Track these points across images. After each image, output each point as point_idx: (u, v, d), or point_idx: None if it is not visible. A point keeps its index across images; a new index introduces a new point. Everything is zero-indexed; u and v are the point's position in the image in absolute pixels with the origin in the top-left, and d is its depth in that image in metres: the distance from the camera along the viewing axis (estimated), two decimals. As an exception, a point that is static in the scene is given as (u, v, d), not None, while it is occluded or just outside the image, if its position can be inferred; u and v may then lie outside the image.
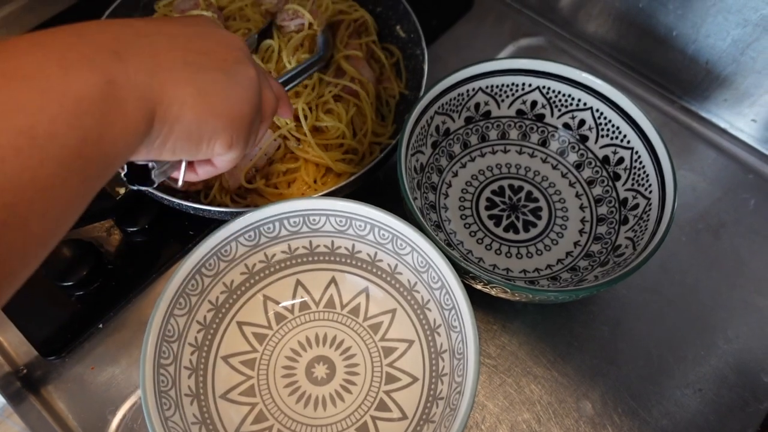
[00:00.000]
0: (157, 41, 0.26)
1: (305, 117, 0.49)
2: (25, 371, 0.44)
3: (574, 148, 0.52)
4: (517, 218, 0.50)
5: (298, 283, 0.45)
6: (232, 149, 0.30)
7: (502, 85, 0.51)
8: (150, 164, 0.31)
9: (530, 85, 0.51)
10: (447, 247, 0.40)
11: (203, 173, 0.34)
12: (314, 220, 0.42)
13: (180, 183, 0.34)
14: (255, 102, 0.31)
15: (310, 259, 0.45)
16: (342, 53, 0.52)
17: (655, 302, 0.48)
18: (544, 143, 0.53)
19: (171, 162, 0.32)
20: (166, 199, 0.45)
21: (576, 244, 0.49)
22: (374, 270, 0.44)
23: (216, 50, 0.29)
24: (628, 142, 0.48)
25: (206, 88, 0.27)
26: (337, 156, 0.49)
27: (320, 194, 0.44)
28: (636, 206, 0.47)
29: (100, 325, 0.46)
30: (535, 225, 0.50)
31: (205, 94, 0.27)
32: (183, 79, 0.26)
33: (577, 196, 0.51)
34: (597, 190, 0.50)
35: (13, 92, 0.20)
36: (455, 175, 0.52)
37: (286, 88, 0.46)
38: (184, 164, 0.33)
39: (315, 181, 0.49)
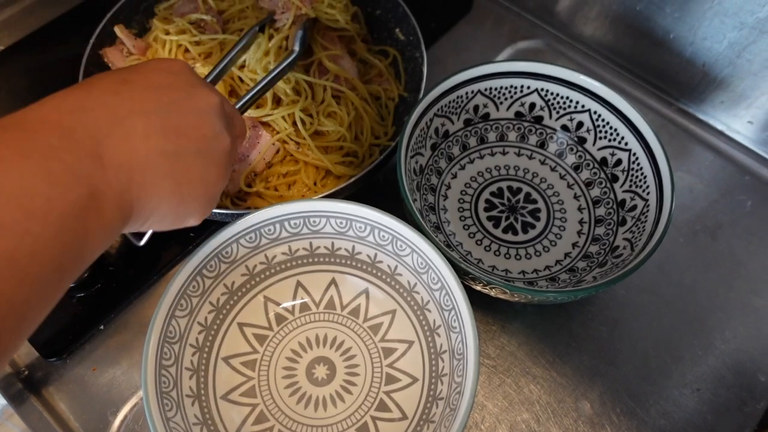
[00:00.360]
0: (133, 128, 0.26)
1: (302, 122, 0.49)
2: (26, 372, 0.45)
3: (572, 150, 0.52)
4: (516, 219, 0.50)
5: (299, 284, 0.45)
6: (204, 217, 0.32)
7: (501, 88, 0.51)
8: None
9: (528, 88, 0.51)
10: (446, 248, 0.40)
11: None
12: (314, 221, 0.43)
13: (141, 244, 0.37)
14: (228, 172, 0.32)
15: (311, 260, 0.45)
16: (322, 53, 0.51)
17: (653, 303, 0.49)
18: (542, 145, 0.53)
19: None
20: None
21: (574, 245, 0.49)
22: (374, 271, 0.45)
23: (193, 126, 0.29)
24: (626, 144, 0.48)
25: (183, 179, 0.28)
26: (336, 159, 0.50)
27: (320, 196, 0.44)
28: (634, 207, 0.47)
29: (101, 327, 0.46)
30: (533, 226, 0.50)
31: (182, 185, 0.28)
32: (160, 174, 0.27)
33: (576, 197, 0.51)
34: (595, 192, 0.51)
35: None
36: (454, 176, 0.52)
37: (258, 96, 0.44)
38: (150, 232, 0.34)
39: (315, 184, 0.49)
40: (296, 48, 0.48)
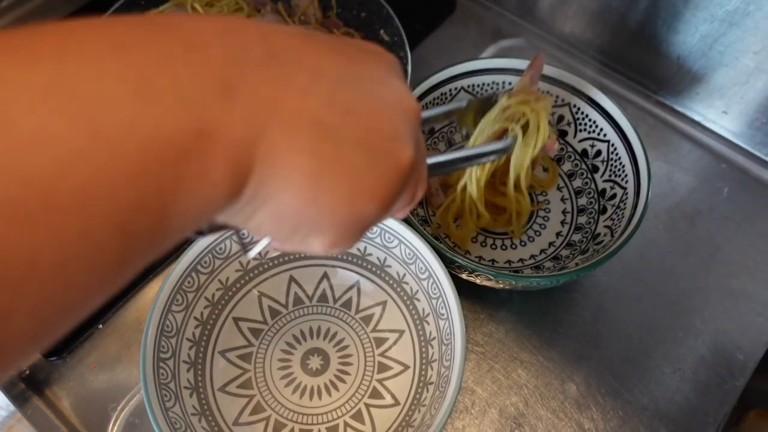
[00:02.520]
0: (292, 75, 0.18)
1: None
2: (28, 372, 0.46)
3: (553, 142, 0.54)
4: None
5: (292, 279, 0.47)
6: (331, 250, 0.21)
7: (483, 84, 0.53)
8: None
9: (510, 84, 0.53)
10: (433, 239, 0.41)
11: (287, 248, 0.23)
12: (305, 217, 0.44)
13: (251, 255, 0.25)
14: (389, 201, 0.20)
15: (302, 255, 0.46)
16: None
17: (635, 288, 0.50)
18: (525, 139, 0.55)
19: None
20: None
21: (558, 234, 0.51)
22: (364, 264, 0.46)
23: (370, 111, 0.20)
24: (605, 135, 0.50)
25: (328, 168, 0.18)
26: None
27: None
28: (613, 196, 0.49)
29: (100, 325, 0.48)
30: (518, 217, 0.52)
31: (323, 177, 0.18)
32: (302, 148, 0.18)
33: (559, 188, 0.53)
34: (577, 183, 0.52)
35: (44, 115, 0.13)
36: (440, 171, 0.54)
37: (436, 172, 0.34)
38: (266, 241, 0.24)
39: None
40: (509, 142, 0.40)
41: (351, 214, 0.19)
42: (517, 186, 0.46)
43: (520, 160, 0.44)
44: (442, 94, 0.52)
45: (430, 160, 0.32)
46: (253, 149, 0.17)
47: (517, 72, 0.52)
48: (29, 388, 0.45)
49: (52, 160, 0.13)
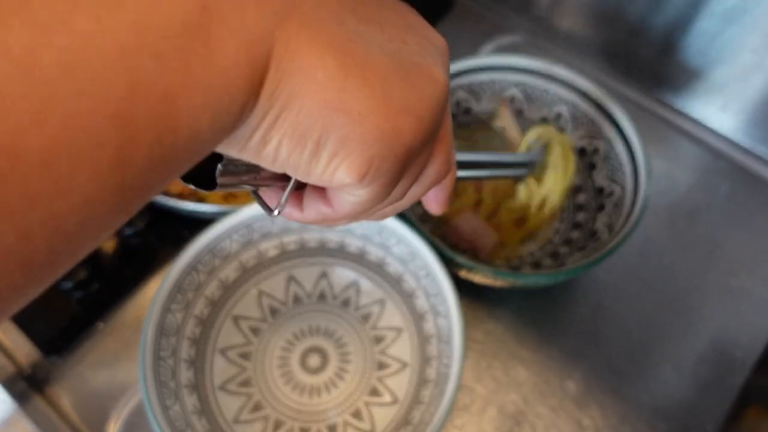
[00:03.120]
0: None
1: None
2: (29, 371, 0.46)
3: (552, 140, 0.54)
4: (500, 209, 0.52)
5: (291, 277, 0.47)
6: (363, 182, 0.17)
7: (481, 82, 0.53)
8: (222, 162, 0.18)
9: (508, 82, 0.53)
10: (432, 237, 0.41)
11: (311, 214, 0.20)
12: (304, 215, 0.44)
13: (276, 212, 0.20)
14: (428, 123, 0.18)
15: (302, 254, 0.47)
16: None
17: (634, 286, 0.50)
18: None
19: (255, 170, 0.19)
20: (159, 201, 0.46)
21: (556, 231, 0.51)
22: (363, 263, 0.46)
23: (395, 25, 0.18)
24: (603, 132, 0.50)
25: (356, 70, 0.16)
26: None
27: (309, 191, 0.45)
28: (612, 193, 0.49)
29: (100, 324, 0.48)
30: (517, 215, 0.52)
31: (351, 78, 0.16)
32: (326, 43, 0.15)
33: (557, 186, 0.53)
34: (575, 180, 0.52)
35: None
36: (439, 170, 0.54)
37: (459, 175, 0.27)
38: (291, 184, 0.19)
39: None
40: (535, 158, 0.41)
41: (386, 127, 0.16)
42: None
43: (552, 183, 0.47)
44: (440, 93, 0.52)
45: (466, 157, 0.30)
46: (270, 38, 0.14)
47: (514, 70, 0.52)
48: (30, 386, 0.45)
49: (30, 29, 0.11)
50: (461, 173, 0.31)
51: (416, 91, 0.17)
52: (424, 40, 0.19)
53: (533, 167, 0.41)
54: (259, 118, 0.15)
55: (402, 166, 0.18)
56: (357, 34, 0.16)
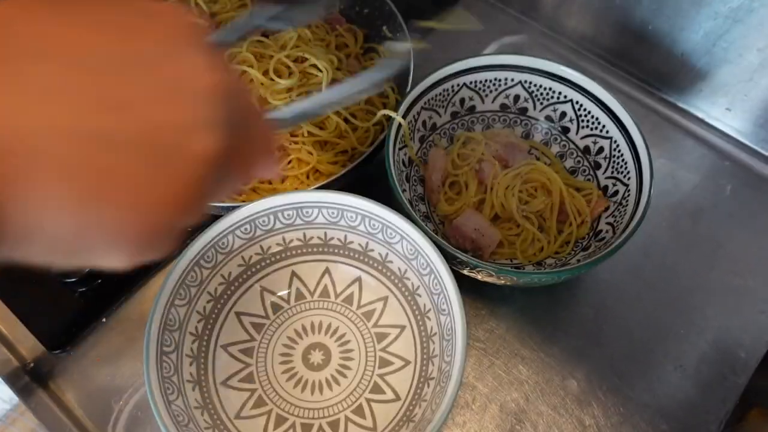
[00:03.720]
0: (32, 72, 0.15)
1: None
2: (32, 365, 0.46)
3: (556, 139, 0.54)
4: (503, 208, 0.52)
5: (294, 274, 0.47)
6: (138, 261, 0.19)
7: (486, 81, 0.53)
8: None
9: (513, 80, 0.53)
10: (435, 235, 0.41)
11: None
12: (307, 212, 0.44)
13: (71, 280, 0.21)
14: (190, 201, 0.18)
15: (305, 250, 0.47)
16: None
17: (637, 285, 0.50)
18: (527, 136, 0.55)
19: None
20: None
21: (560, 230, 0.50)
22: (366, 259, 0.46)
23: (148, 101, 0.17)
24: (607, 132, 0.50)
25: (96, 187, 0.16)
26: (329, 158, 0.51)
27: (312, 188, 0.46)
28: (616, 193, 0.49)
29: (104, 320, 0.48)
30: (520, 214, 0.51)
31: (91, 199, 0.16)
32: (54, 170, 0.15)
33: (560, 185, 0.53)
34: (579, 179, 0.52)
35: None
36: (443, 168, 0.54)
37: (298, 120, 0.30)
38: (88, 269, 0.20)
39: (308, 177, 0.51)
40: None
41: (143, 230, 0.17)
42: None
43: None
44: (444, 90, 0.52)
45: (282, 113, 0.29)
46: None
47: (519, 68, 0.52)
48: (33, 380, 0.46)
49: None
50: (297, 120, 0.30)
51: (173, 180, 0.17)
52: (188, 101, 0.17)
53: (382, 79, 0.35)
54: (20, 243, 0.16)
55: (174, 238, 0.19)
56: (99, 142, 0.15)
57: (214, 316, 0.44)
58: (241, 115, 0.20)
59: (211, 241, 0.42)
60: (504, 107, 0.54)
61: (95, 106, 0.15)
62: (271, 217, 0.44)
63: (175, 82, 0.17)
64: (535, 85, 0.52)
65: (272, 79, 0.50)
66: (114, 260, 0.18)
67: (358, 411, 0.42)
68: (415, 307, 0.45)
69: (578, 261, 0.45)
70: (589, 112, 0.51)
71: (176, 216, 0.18)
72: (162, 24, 0.18)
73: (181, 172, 0.17)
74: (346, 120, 0.52)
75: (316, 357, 0.45)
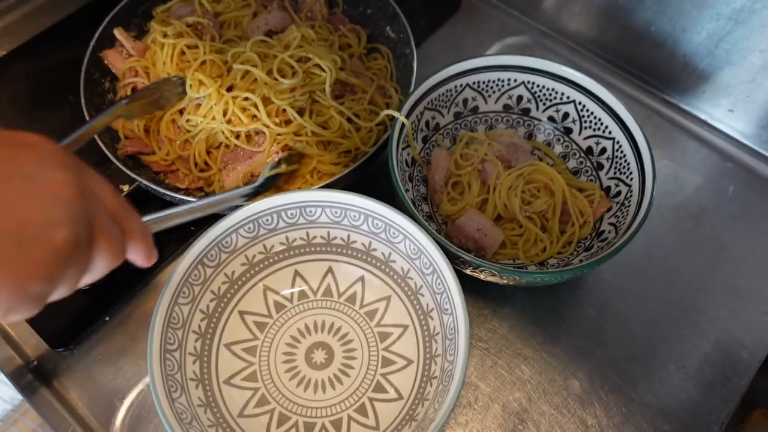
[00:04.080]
0: None
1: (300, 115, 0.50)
2: (35, 363, 0.46)
3: (559, 140, 0.54)
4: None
5: (297, 273, 0.47)
6: (10, 316, 0.24)
7: (489, 81, 0.53)
8: None
9: (516, 81, 0.53)
10: (438, 235, 0.41)
11: None
12: (310, 211, 0.44)
13: None
14: (50, 276, 0.24)
15: (308, 249, 0.47)
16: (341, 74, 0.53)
17: (640, 286, 0.50)
18: (530, 136, 0.55)
19: None
20: (168, 195, 0.47)
21: (562, 231, 0.50)
22: (369, 259, 0.46)
23: (15, 205, 0.23)
24: (610, 132, 0.50)
25: None
26: (332, 158, 0.51)
27: (316, 187, 0.46)
28: (618, 193, 0.49)
29: (107, 318, 0.48)
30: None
31: None
32: None
33: (563, 186, 0.53)
34: (582, 180, 0.52)
35: None
36: (445, 168, 0.54)
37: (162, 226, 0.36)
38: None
39: (311, 176, 0.51)
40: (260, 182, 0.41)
41: (12, 296, 0.22)
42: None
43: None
44: (447, 91, 0.52)
45: (151, 217, 0.36)
46: None
47: (522, 69, 0.52)
48: (37, 378, 0.46)
49: None
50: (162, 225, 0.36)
51: (37, 259, 0.23)
52: (48, 207, 0.23)
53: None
54: None
55: (39, 303, 0.24)
56: None
57: (217, 314, 0.44)
58: (97, 213, 0.26)
59: (214, 240, 0.42)
60: (507, 108, 0.54)
61: None
62: (275, 216, 0.44)
63: (38, 193, 0.23)
64: (538, 86, 0.53)
65: (276, 79, 0.50)
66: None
67: (361, 410, 0.42)
68: (417, 307, 0.45)
69: (581, 261, 0.45)
70: (592, 113, 0.51)
71: (38, 287, 0.23)
72: (28, 151, 0.24)
73: (42, 254, 0.23)
74: (349, 120, 0.52)
75: (319, 356, 0.45)
